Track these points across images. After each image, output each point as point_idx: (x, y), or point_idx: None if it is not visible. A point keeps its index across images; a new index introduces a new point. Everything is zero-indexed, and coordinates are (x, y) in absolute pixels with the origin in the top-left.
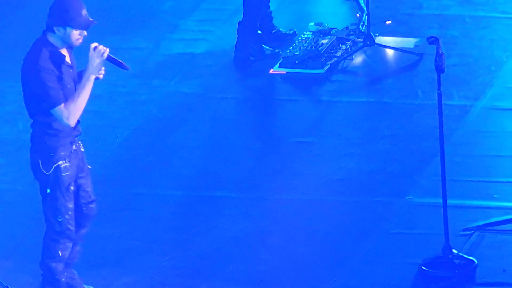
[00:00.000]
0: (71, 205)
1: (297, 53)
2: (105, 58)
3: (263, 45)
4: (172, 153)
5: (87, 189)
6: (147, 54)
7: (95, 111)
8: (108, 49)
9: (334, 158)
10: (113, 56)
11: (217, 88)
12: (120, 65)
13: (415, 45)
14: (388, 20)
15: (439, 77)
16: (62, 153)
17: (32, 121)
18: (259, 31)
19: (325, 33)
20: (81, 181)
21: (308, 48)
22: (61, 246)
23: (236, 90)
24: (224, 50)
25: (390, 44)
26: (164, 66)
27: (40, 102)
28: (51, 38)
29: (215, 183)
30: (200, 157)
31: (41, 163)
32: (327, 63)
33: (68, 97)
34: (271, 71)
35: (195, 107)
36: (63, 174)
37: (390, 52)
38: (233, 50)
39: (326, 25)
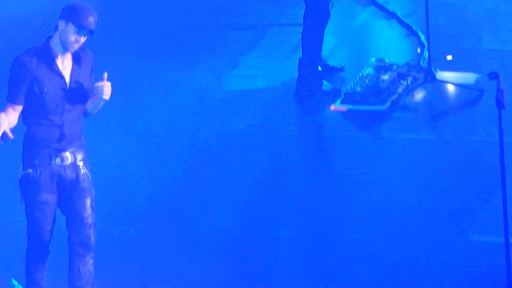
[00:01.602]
0: (40, 216)
1: (358, 89)
2: None
3: (324, 81)
4: (231, 188)
5: (80, 211)
6: (208, 90)
7: (156, 146)
8: None
9: (396, 194)
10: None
11: (278, 124)
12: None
13: (476, 81)
14: (449, 55)
15: (500, 113)
16: (35, 162)
17: None
18: (319, 68)
19: (386, 68)
20: (72, 203)
21: (369, 84)
22: (36, 258)
23: (297, 126)
24: (284, 86)
25: (451, 79)
26: (225, 102)
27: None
28: (53, 40)
29: (274, 220)
30: (259, 193)
31: (21, 167)
32: (388, 99)
33: (36, 101)
34: (332, 107)
35: (255, 143)
36: (31, 182)
37: (451, 88)
38: (294, 87)
39: (387, 60)
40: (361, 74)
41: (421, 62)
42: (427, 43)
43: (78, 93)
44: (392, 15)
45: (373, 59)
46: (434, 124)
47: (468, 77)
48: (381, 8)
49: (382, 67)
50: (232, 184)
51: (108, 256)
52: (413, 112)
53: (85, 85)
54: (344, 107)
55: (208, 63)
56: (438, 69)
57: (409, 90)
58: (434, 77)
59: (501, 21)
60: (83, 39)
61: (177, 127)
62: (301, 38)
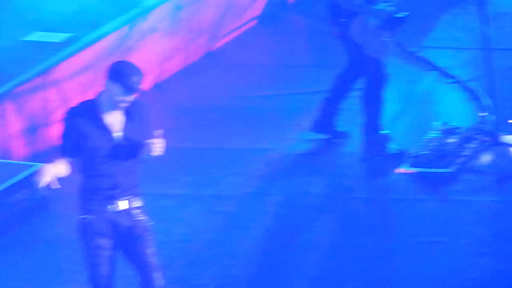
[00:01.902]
0: (96, 262)
1: (424, 152)
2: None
3: (389, 144)
4: (303, 254)
5: (144, 258)
6: (275, 155)
7: (226, 212)
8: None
9: (467, 257)
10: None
11: (345, 188)
12: None
13: None
14: None
15: None
16: (90, 208)
17: None
18: (384, 131)
19: (451, 132)
20: (134, 251)
21: (435, 148)
22: None
23: (364, 189)
24: (350, 149)
25: None
26: (293, 166)
27: None
28: (101, 97)
29: (346, 284)
30: (330, 258)
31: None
32: (454, 162)
33: (86, 153)
34: (398, 170)
35: (324, 207)
36: (85, 228)
37: None
38: (360, 150)
39: (452, 124)
40: (426, 138)
41: (486, 126)
42: (492, 107)
43: (131, 146)
44: (455, 79)
45: (438, 123)
46: (502, 187)
47: None
48: (444, 73)
49: (447, 131)
50: (302, 248)
51: None
52: (480, 174)
53: (138, 137)
54: (411, 170)
55: (275, 127)
56: (503, 133)
57: (475, 153)
58: (499, 140)
59: None
60: (131, 98)
61: (244, 192)
62: (361, 102)
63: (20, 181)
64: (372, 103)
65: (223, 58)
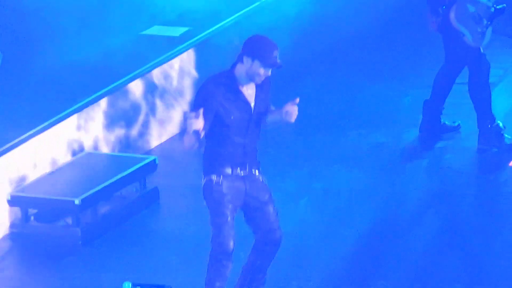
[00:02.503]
0: (223, 221)
1: None
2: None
3: (505, 135)
4: (411, 250)
5: (267, 217)
6: (389, 149)
7: (335, 207)
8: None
9: None
10: None
11: (458, 184)
12: None
13: None
14: None
15: None
16: (219, 169)
17: None
18: (500, 123)
19: None
20: (257, 211)
21: None
22: (218, 264)
23: (477, 185)
24: (464, 144)
25: None
26: (404, 161)
27: None
28: (237, 70)
29: (452, 282)
30: (438, 254)
31: (203, 177)
32: None
33: (222, 126)
34: (511, 163)
35: (435, 204)
36: (213, 189)
37: None
38: (476, 143)
39: None
40: None
41: None
42: None
43: (261, 115)
44: None
45: None
46: None
47: None
48: None
49: None
50: (410, 245)
51: None
52: None
53: (266, 108)
54: None
55: (389, 121)
56: None
57: None
58: None
59: None
60: (269, 72)
61: (353, 187)
62: (470, 94)
63: (130, 173)
64: (480, 94)
65: (343, 53)
